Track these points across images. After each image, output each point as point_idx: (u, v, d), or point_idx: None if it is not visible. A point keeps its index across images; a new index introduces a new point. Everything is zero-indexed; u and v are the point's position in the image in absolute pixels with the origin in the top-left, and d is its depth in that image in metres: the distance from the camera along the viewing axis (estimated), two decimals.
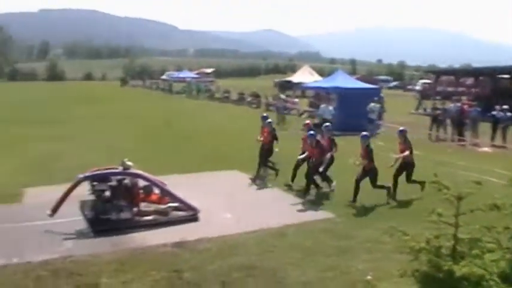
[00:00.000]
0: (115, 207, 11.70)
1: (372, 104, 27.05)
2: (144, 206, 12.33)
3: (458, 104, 29.08)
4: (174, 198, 12.53)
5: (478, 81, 54.17)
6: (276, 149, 16.31)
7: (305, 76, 57.95)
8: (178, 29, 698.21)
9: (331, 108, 26.02)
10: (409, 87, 79.95)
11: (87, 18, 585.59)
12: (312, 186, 14.27)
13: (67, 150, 21.02)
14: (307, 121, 16.49)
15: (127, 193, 11.99)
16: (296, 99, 41.34)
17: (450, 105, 29.24)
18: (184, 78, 72.61)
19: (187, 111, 39.76)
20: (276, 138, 16.35)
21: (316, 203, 13.45)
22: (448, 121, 27.83)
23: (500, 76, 48.88)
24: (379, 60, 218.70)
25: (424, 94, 50.78)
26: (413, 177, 14.26)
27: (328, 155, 14.43)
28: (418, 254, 6.78)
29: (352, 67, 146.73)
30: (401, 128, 14.62)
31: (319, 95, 36.55)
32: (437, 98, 40.79)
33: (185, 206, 12.39)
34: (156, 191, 12.84)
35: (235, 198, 13.71)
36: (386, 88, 63.29)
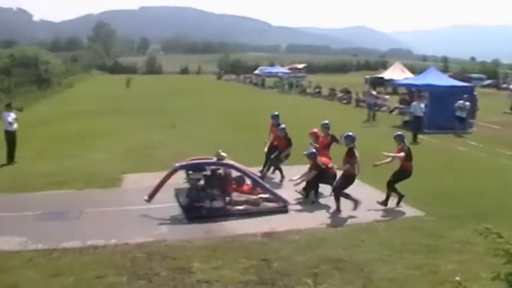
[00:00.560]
0: (208, 195, 12.03)
1: (460, 102, 26.00)
2: (236, 195, 12.61)
3: None
4: (265, 190, 12.72)
5: None
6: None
7: (396, 73, 56.54)
8: (271, 26, 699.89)
9: (422, 105, 25.33)
10: (504, 85, 75.94)
11: (184, 15, 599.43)
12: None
13: (164, 139, 21.81)
14: (315, 129, 15.81)
15: (220, 183, 12.29)
16: (387, 96, 40.56)
17: None
18: (276, 73, 72.85)
19: (279, 105, 39.90)
20: (290, 144, 15.75)
21: (405, 201, 13.18)
22: None
23: None
24: (472, 58, 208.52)
25: None
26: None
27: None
28: None
29: (444, 65, 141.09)
30: (398, 133, 13.56)
31: (411, 92, 35.64)
32: None
33: (276, 198, 12.53)
34: (248, 181, 13.09)
35: (325, 192, 13.68)
36: (479, 86, 60.76)
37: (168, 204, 12.45)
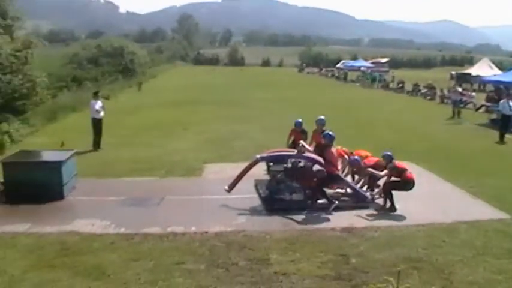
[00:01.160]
0: (288, 188, 11.96)
1: None
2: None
3: None
4: (347, 185, 12.51)
5: None
6: None
7: (484, 69, 54.12)
8: (354, 19, 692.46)
9: (511, 103, 24.14)
10: None
11: (267, 7, 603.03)
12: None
13: (245, 130, 21.94)
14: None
15: (300, 176, 12.18)
16: (473, 93, 39.05)
17: None
18: (359, 67, 71.86)
19: (362, 100, 39.38)
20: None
21: (490, 202, 12.57)
22: None
23: None
24: None
25: None
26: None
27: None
28: None
29: None
30: (387, 153, 12.44)
31: (499, 89, 34.07)
32: None
33: (356, 194, 12.30)
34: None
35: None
36: None
37: (248, 195, 12.51)
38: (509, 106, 23.42)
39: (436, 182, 14.29)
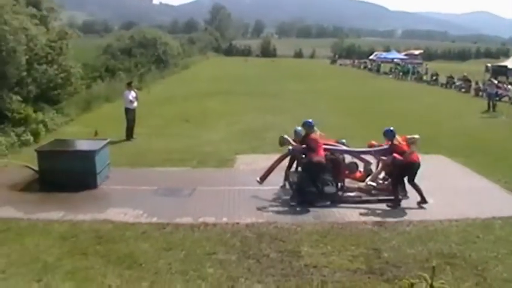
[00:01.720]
0: (320, 180, 11.86)
1: None
2: (347, 182, 12.34)
3: None
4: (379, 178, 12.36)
5: None
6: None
7: None
8: (388, 10, 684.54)
9: None
10: None
11: None
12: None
13: (277, 122, 21.85)
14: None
15: (333, 168, 12.07)
16: (509, 86, 38.26)
17: None
18: (392, 59, 71.18)
19: (395, 92, 39.01)
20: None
21: None
22: None
23: None
24: None
25: None
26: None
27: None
28: None
29: None
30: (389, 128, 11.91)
31: None
32: None
33: (388, 187, 12.14)
34: (361, 168, 12.79)
35: (438, 184, 13.00)
36: None
37: (279, 187, 12.52)
38: None
39: (470, 177, 14.04)
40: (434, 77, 49.43)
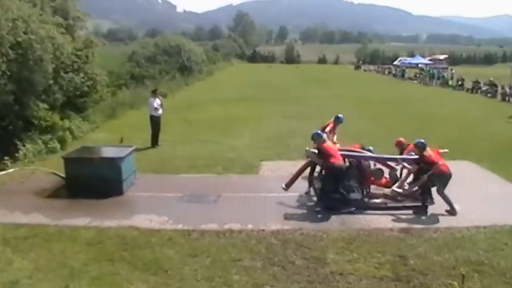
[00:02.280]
0: (346, 187, 11.78)
1: None
2: (373, 188, 12.24)
3: None
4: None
5: None
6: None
7: None
8: (412, 15, 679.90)
9: None
10: None
11: (323, 5, 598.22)
12: None
13: (301, 128, 21.72)
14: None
15: (358, 174, 12.00)
16: None
17: None
18: (416, 64, 70.74)
19: (420, 97, 38.65)
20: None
21: None
22: None
23: None
24: None
25: None
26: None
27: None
28: None
29: None
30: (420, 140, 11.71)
31: None
32: None
33: (415, 194, 12.00)
34: (386, 175, 12.67)
35: (465, 190, 12.80)
36: None
37: (304, 193, 12.48)
38: None
39: (498, 183, 13.83)
40: (459, 82, 48.91)
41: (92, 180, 12.17)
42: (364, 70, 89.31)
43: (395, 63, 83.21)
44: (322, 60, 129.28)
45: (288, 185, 12.02)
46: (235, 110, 28.61)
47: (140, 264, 8.49)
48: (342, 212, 11.20)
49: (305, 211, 11.44)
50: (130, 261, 8.62)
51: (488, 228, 10.28)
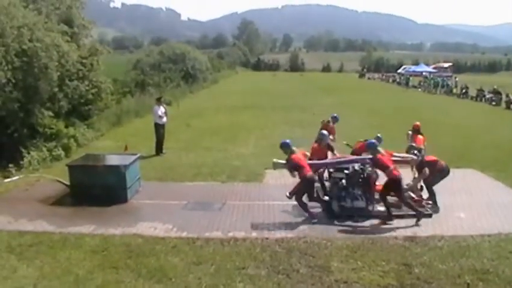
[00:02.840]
0: (350, 195, 11.76)
1: None
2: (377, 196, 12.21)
3: None
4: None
5: None
6: None
7: None
8: (416, 23, 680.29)
9: None
10: None
11: (327, 13, 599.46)
12: None
13: (307, 136, 21.59)
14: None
15: (363, 182, 11.98)
16: None
17: None
18: (421, 72, 70.71)
19: (424, 105, 38.60)
20: None
21: None
22: None
23: None
24: None
25: None
26: None
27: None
28: None
29: None
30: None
31: None
32: None
33: (420, 202, 12.01)
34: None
35: (470, 198, 12.86)
36: None
37: (308, 201, 12.36)
38: None
39: (502, 191, 13.80)
40: (464, 90, 48.85)
41: (96, 188, 12.23)
42: (369, 78, 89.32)
43: (399, 71, 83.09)
44: (326, 68, 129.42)
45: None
46: (240, 118, 28.69)
47: (145, 272, 8.49)
48: (341, 220, 11.24)
49: (309, 219, 11.37)
50: (135, 268, 8.63)
51: (493, 237, 10.26)
